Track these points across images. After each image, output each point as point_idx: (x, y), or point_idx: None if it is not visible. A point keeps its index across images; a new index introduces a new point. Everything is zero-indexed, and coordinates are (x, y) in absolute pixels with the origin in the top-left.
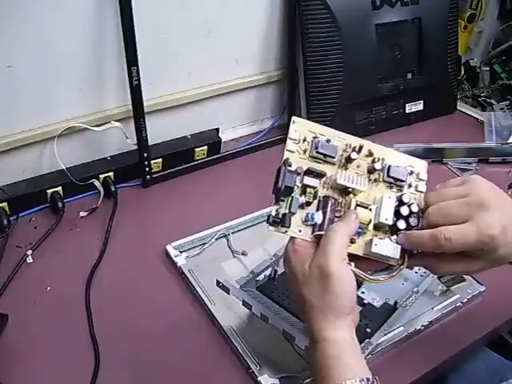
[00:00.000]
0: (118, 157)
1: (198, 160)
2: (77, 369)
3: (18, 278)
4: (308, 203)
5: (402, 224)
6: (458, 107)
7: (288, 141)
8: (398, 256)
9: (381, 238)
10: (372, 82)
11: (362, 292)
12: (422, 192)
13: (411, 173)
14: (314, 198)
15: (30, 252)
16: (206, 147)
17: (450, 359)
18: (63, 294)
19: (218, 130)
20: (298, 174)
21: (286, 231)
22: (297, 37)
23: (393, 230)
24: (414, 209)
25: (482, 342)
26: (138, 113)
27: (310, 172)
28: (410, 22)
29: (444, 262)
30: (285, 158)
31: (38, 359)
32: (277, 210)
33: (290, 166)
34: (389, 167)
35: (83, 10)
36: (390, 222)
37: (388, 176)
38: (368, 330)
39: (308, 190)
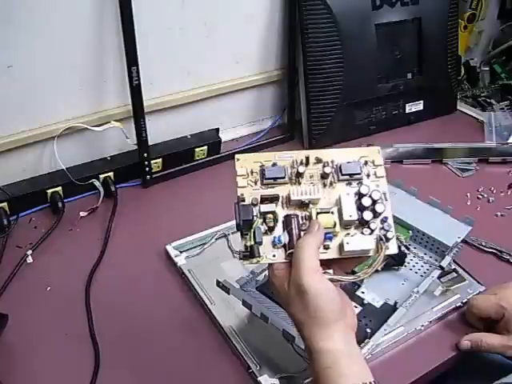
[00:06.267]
0: (117, 157)
1: (197, 160)
2: (77, 369)
3: (18, 277)
4: (271, 228)
5: (368, 215)
6: (458, 107)
7: (237, 178)
8: (373, 246)
9: (352, 236)
10: (372, 82)
11: (362, 292)
12: (382, 177)
13: (366, 163)
14: (276, 221)
15: (30, 252)
16: (205, 147)
17: (450, 359)
18: (63, 294)
19: (217, 130)
20: (255, 204)
21: (258, 261)
22: (297, 37)
23: (362, 222)
24: (376, 196)
25: None
26: (138, 113)
27: (265, 199)
28: (410, 21)
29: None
30: (238, 195)
31: (38, 359)
32: (244, 244)
33: (243, 200)
34: (340, 166)
35: (83, 11)
36: (356, 217)
37: (342, 174)
38: (368, 330)
39: (267, 216)
